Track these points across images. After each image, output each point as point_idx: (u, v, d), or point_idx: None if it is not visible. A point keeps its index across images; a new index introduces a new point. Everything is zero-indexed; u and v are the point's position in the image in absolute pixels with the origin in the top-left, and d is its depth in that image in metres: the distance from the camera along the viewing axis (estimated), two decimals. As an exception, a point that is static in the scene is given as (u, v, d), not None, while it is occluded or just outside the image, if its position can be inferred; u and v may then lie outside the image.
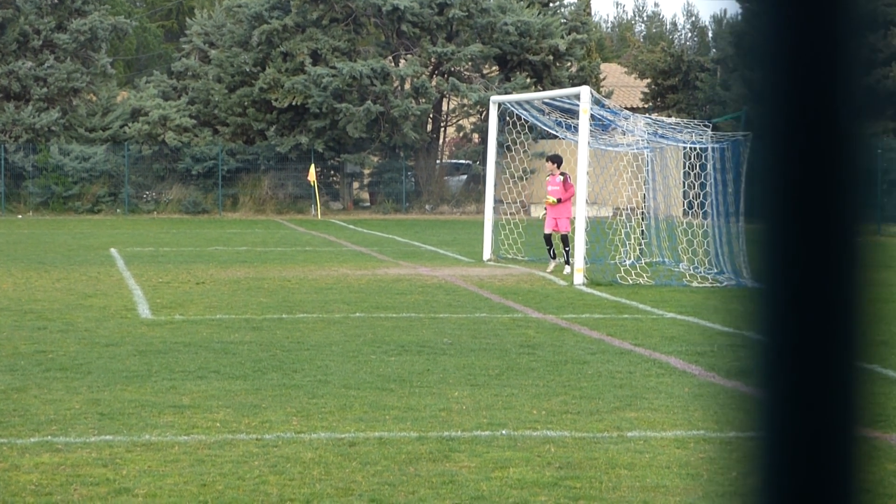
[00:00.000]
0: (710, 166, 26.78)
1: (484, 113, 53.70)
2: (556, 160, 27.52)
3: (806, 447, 1.42)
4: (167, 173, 54.84)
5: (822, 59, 1.41)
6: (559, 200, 26.92)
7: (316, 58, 54.85)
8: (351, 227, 46.09)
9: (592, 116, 26.29)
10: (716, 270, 25.71)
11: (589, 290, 23.76)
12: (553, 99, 29.66)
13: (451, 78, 55.09)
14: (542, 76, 56.01)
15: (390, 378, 13.85)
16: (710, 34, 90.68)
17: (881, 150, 42.04)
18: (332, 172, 57.74)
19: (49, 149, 53.47)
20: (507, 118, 31.64)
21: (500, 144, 32.10)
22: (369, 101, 53.30)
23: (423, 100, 55.00)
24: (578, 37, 56.90)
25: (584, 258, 25.19)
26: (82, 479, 9.52)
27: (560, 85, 53.38)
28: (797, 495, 1.43)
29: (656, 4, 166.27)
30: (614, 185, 31.22)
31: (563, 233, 26.96)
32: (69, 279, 25.02)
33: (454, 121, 58.20)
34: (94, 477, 9.57)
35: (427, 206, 56.04)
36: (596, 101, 26.67)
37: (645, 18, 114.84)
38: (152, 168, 54.85)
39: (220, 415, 11.81)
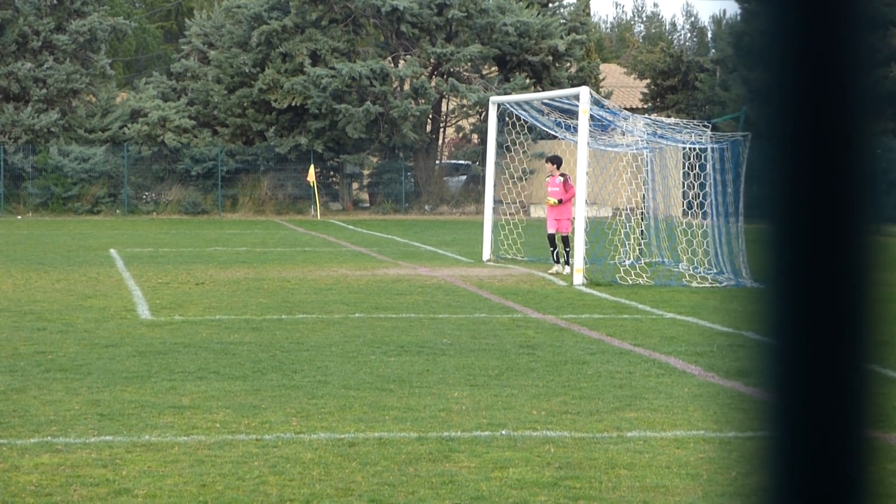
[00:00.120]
0: (709, 166, 26.78)
1: (483, 113, 53.70)
2: (556, 161, 27.51)
3: (806, 447, 1.43)
4: (166, 174, 54.84)
5: (822, 59, 1.42)
6: (560, 202, 26.88)
7: (315, 58, 54.86)
8: (350, 227, 46.09)
9: (592, 117, 26.29)
10: (715, 271, 25.71)
11: (588, 290, 23.76)
12: (552, 99, 29.66)
13: (450, 78, 55.10)
14: (541, 77, 56.02)
15: (390, 378, 13.85)
16: (710, 34, 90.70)
17: (881, 150, 42.02)
18: (332, 173, 57.74)
19: (48, 150, 53.48)
20: (507, 119, 31.64)
21: (499, 145, 32.10)
22: (368, 102, 53.31)
23: (423, 100, 55.00)
24: (578, 37, 56.91)
25: (584, 258, 25.19)
26: (82, 479, 9.52)
27: (559, 85, 53.39)
28: (797, 495, 1.43)
29: (655, 5, 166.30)
30: (614, 186, 31.22)
31: (564, 234, 26.94)
32: (69, 280, 25.02)
33: (453, 121, 58.20)
34: (94, 477, 9.57)
35: (426, 207, 56.05)
36: (595, 102, 26.67)
37: (644, 19, 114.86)
38: (152, 169, 54.85)
39: (219, 415, 11.82)
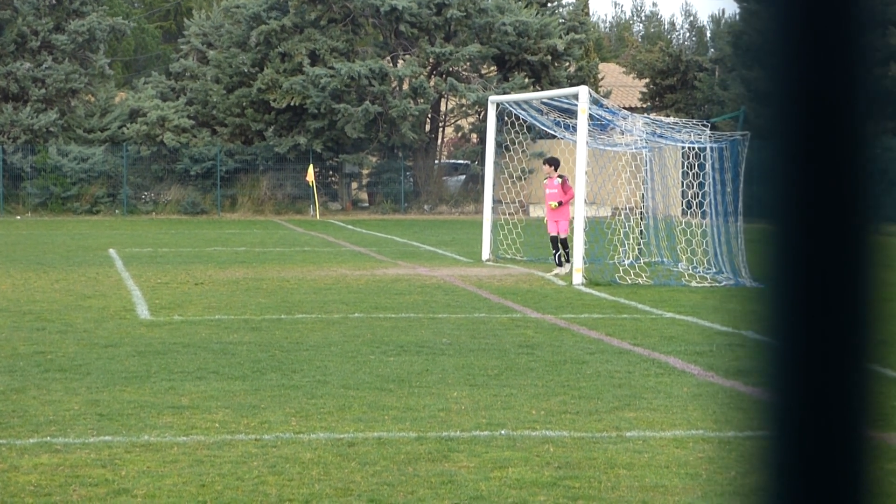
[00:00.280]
0: (708, 166, 26.78)
1: (482, 113, 53.70)
2: (554, 163, 27.44)
3: (805, 447, 1.42)
4: (165, 174, 54.83)
5: (821, 58, 1.41)
6: (560, 203, 26.81)
7: (314, 58, 54.85)
8: (349, 227, 46.09)
9: (591, 116, 26.29)
10: (714, 270, 25.71)
11: (588, 289, 23.76)
12: (551, 99, 29.66)
13: (449, 78, 55.09)
14: (540, 76, 56.02)
15: (389, 378, 13.85)
16: (709, 34, 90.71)
17: (880, 149, 42.00)
18: (331, 173, 57.73)
19: (47, 150, 53.47)
20: (506, 118, 31.64)
21: (498, 144, 32.10)
22: (367, 102, 53.30)
23: (422, 100, 55.00)
24: (577, 37, 56.91)
25: (583, 258, 25.19)
26: (81, 479, 9.52)
27: (558, 85, 53.39)
28: (797, 495, 1.43)
29: (654, 4, 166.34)
30: (613, 185, 31.22)
31: (563, 235, 26.89)
32: (68, 280, 25.01)
33: (452, 121, 58.20)
34: (93, 477, 9.57)
35: (425, 207, 56.05)
36: (594, 101, 26.67)
37: (643, 18, 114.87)
38: (151, 169, 54.84)
39: (218, 415, 11.81)
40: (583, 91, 25.93)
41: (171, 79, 58.12)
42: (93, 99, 56.14)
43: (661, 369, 14.61)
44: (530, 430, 11.27)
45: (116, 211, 53.87)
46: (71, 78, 54.29)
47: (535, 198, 45.76)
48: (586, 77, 57.00)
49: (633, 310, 20.62)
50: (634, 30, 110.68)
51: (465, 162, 58.23)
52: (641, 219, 29.86)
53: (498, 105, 31.41)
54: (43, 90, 54.07)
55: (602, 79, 62.11)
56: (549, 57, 56.01)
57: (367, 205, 57.77)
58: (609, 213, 35.78)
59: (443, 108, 57.86)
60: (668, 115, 52.38)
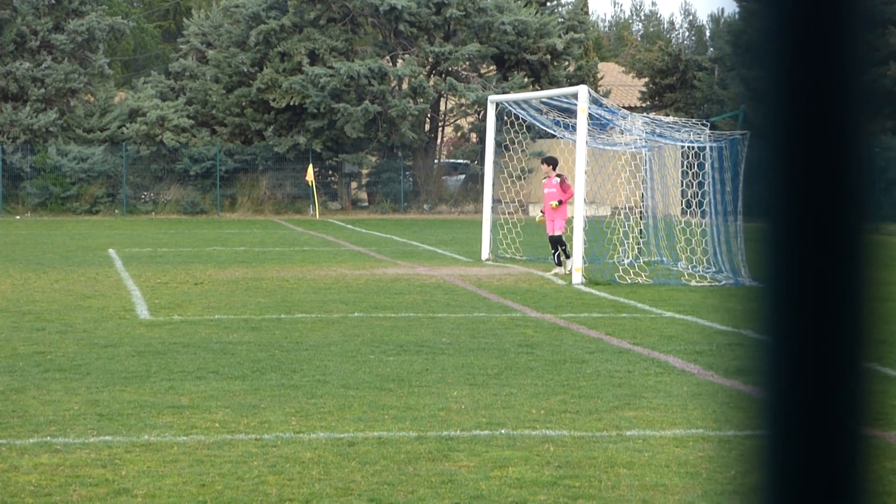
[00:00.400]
0: (707, 165, 26.78)
1: (482, 112, 53.71)
2: (552, 162, 27.40)
3: (805, 446, 1.43)
4: (165, 174, 54.84)
5: (820, 57, 1.41)
6: (560, 203, 26.77)
7: (313, 58, 54.85)
8: (349, 226, 46.09)
9: (590, 115, 26.29)
10: (714, 269, 25.71)
11: (587, 289, 23.76)
12: (551, 98, 29.66)
13: (448, 77, 55.09)
14: (539, 75, 56.02)
15: (389, 378, 13.85)
16: (708, 33, 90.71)
17: (879, 148, 42.17)
18: (330, 172, 57.73)
19: (47, 149, 53.48)
20: (505, 118, 31.64)
21: (497, 144, 32.10)
22: (367, 101, 53.30)
23: (421, 99, 55.00)
24: (576, 36, 56.91)
25: (583, 257, 25.19)
26: (81, 479, 9.52)
27: (558, 84, 53.38)
28: (796, 494, 1.43)
29: (654, 3, 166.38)
30: (612, 185, 31.22)
31: (558, 233, 26.84)
32: (67, 280, 25.01)
33: (452, 120, 58.20)
34: (93, 477, 9.57)
35: (425, 206, 56.05)
36: (594, 101, 26.66)
37: (642, 17, 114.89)
38: (150, 168, 54.84)
39: (218, 415, 11.81)
40: (582, 90, 25.93)
41: (171, 78, 58.13)
42: (92, 99, 56.14)
43: (661, 368, 14.61)
44: (530, 429, 11.27)
45: (116, 211, 53.87)
46: (70, 78, 54.29)
47: (534, 197, 45.76)
48: (586, 76, 57.01)
49: (632, 309, 20.62)
50: (634, 29, 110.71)
51: (465, 161, 58.24)
52: (641, 218, 29.86)
53: (497, 104, 31.41)
54: (42, 90, 54.07)
55: (601, 78, 62.11)
56: (549, 56, 56.01)
57: (366, 204, 57.77)
58: (609, 213, 35.79)
59: (442, 107, 57.86)
60: (667, 115, 52.39)
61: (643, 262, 27.33)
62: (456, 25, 55.83)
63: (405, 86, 55.20)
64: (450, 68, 55.51)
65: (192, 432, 11.10)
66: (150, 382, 13.53)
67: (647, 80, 65.32)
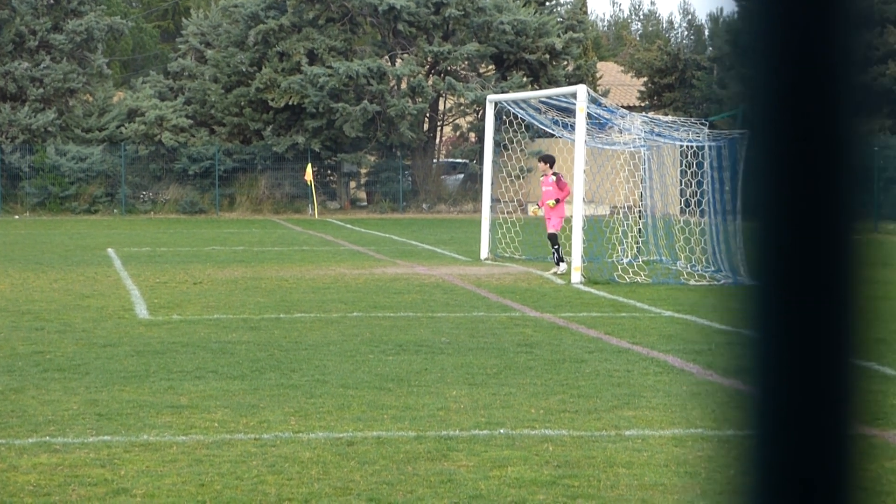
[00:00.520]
0: (706, 164, 26.79)
1: (480, 112, 53.70)
2: (548, 160, 27.34)
3: (804, 445, 1.42)
4: (164, 173, 54.83)
5: (819, 56, 1.41)
6: (557, 201, 26.73)
7: (312, 57, 54.84)
8: (348, 226, 46.08)
9: (589, 115, 26.28)
10: (713, 268, 25.72)
11: (586, 288, 23.75)
12: (550, 98, 29.66)
13: (447, 77, 55.09)
14: (538, 75, 56.02)
15: (388, 377, 13.85)
16: (707, 32, 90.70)
17: (878, 147, 42.13)
18: (329, 172, 57.73)
19: (45, 149, 53.46)
20: (504, 117, 31.64)
21: (496, 143, 32.10)
22: (366, 101, 53.30)
23: (420, 99, 54.99)
24: (575, 35, 56.90)
25: (582, 256, 25.18)
26: (80, 479, 9.52)
27: (556, 84, 53.37)
28: (795, 493, 1.43)
29: (652, 3, 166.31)
30: (611, 184, 31.22)
31: (553, 231, 26.80)
32: (66, 280, 25.00)
33: (451, 120, 58.19)
34: (93, 477, 9.57)
35: (424, 205, 56.04)
36: (592, 100, 26.66)
37: (641, 17, 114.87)
38: (149, 168, 54.83)
39: (218, 415, 11.81)
40: (581, 90, 25.93)
41: (170, 78, 58.11)
42: (91, 98, 56.13)
43: (660, 368, 14.61)
44: (529, 428, 11.27)
45: (115, 210, 53.85)
46: (69, 77, 54.28)
47: (533, 196, 45.76)
48: (584, 76, 57.00)
49: (631, 308, 20.62)
50: (633, 28, 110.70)
51: (464, 161, 58.23)
52: (640, 217, 29.86)
53: (496, 104, 31.40)
54: (41, 90, 54.05)
55: (600, 77, 62.10)
56: (548, 56, 56.01)
57: (365, 204, 57.76)
58: (607, 212, 35.78)
59: (441, 107, 57.85)
60: (666, 114, 52.38)
61: (642, 262, 27.32)
62: (455, 25, 55.82)
63: (404, 85, 55.20)
64: (448, 68, 55.50)
65: (191, 432, 11.09)
66: (148, 382, 13.53)
67: (645, 79, 65.31)
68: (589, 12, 68.51)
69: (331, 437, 10.88)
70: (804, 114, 1.42)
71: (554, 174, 26.92)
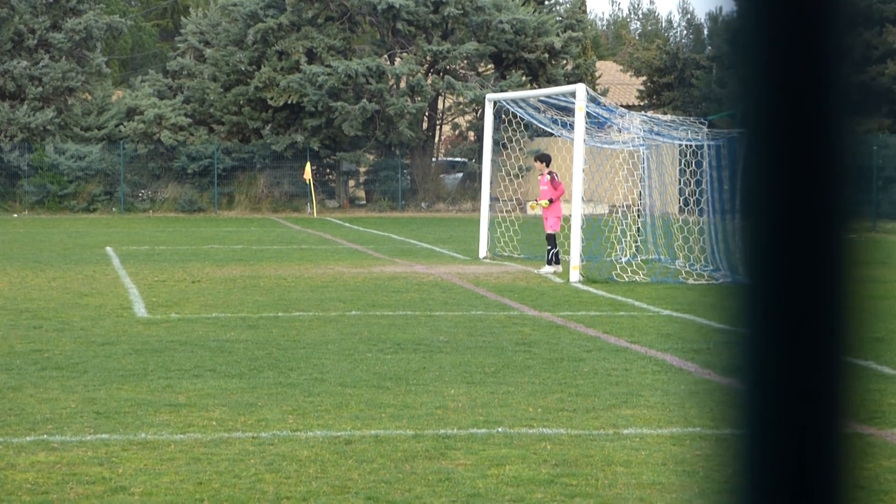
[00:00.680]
0: (705, 163, 26.79)
1: (479, 111, 53.70)
2: (544, 159, 27.32)
3: (802, 444, 1.42)
4: (163, 172, 54.81)
5: (818, 55, 1.41)
6: (551, 201, 26.70)
7: (311, 56, 54.83)
8: (347, 225, 46.08)
9: (588, 114, 26.28)
10: (712, 267, 25.72)
11: (585, 287, 23.76)
12: (549, 97, 29.66)
13: (446, 76, 55.08)
14: (537, 74, 56.01)
15: (386, 376, 13.85)
16: (706, 31, 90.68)
17: (876, 146, 42.14)
18: (328, 171, 57.72)
19: (44, 148, 53.44)
20: (503, 116, 31.64)
21: (495, 142, 32.10)
22: (365, 100, 53.29)
23: (419, 98, 54.98)
24: (574, 35, 56.90)
25: (580, 255, 25.18)
26: (78, 477, 9.51)
27: (555, 83, 53.36)
28: (793, 492, 1.43)
29: (651, 2, 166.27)
30: (610, 183, 31.23)
31: (549, 231, 26.79)
32: (65, 278, 25.00)
33: (450, 119, 58.19)
34: (91, 476, 9.56)
35: (423, 204, 56.04)
36: (591, 99, 26.66)
37: (640, 16, 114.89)
38: (148, 167, 54.82)
39: (216, 413, 11.81)
40: (580, 89, 25.93)
41: (168, 77, 58.10)
42: (90, 97, 56.11)
43: (658, 367, 14.62)
44: (527, 427, 11.27)
45: (113, 209, 53.84)
46: (68, 76, 54.26)
47: (532, 195, 45.75)
48: (583, 75, 56.99)
49: (630, 307, 20.62)
50: (632, 27, 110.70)
51: (463, 160, 58.23)
52: (639, 216, 29.86)
53: (495, 103, 31.40)
54: (40, 88, 54.03)
55: (599, 77, 62.10)
56: (547, 55, 55.99)
57: (364, 202, 57.76)
58: (606, 211, 35.78)
59: (440, 105, 57.84)
60: (665, 113, 52.40)
61: (641, 261, 27.32)
62: (454, 24, 55.81)
63: (403, 84, 55.19)
64: (448, 67, 55.50)
65: (190, 430, 11.09)
66: (147, 380, 13.53)
67: (644, 78, 65.31)
68: (588, 11, 68.53)
69: (329, 436, 10.89)
70: (803, 113, 1.42)
71: (549, 173, 26.91)
